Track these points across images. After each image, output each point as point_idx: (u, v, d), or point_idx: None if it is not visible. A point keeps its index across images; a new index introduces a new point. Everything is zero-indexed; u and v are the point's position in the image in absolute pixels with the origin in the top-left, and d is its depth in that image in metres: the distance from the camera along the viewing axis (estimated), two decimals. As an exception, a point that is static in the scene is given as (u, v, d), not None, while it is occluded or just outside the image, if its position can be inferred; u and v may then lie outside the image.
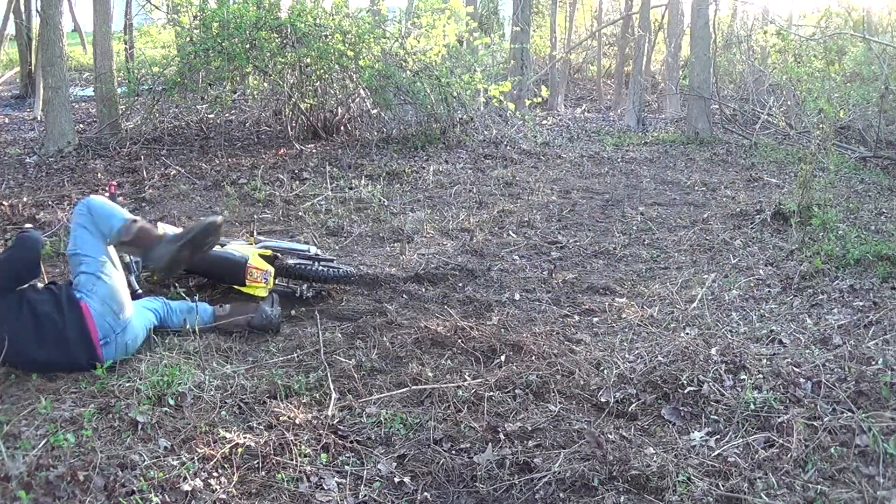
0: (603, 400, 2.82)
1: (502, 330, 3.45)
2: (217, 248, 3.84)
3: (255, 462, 2.38)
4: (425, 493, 2.30)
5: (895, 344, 3.18)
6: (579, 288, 4.14)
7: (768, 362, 3.01)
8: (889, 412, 2.60)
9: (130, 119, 8.55)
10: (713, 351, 3.11)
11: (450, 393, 2.83)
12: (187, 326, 3.14)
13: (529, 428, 2.63)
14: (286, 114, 8.48)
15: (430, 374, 2.98)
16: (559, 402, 2.81)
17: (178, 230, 3.22)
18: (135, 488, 2.19)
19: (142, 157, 7.17)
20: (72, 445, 2.39)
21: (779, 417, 2.61)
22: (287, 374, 2.95)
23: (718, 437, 2.57)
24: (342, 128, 8.44)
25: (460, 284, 4.12)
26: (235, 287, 3.70)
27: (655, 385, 2.87)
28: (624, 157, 8.13)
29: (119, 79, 8.75)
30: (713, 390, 2.80)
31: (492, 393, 2.86)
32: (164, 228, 3.89)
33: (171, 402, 2.66)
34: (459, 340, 3.29)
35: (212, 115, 8.78)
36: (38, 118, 9.52)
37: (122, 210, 3.02)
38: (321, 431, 2.55)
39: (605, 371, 3.04)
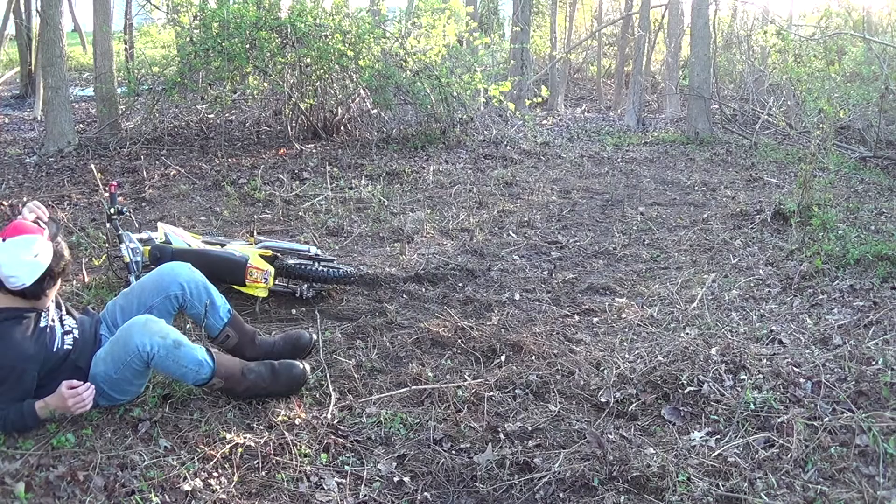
0: (603, 400, 2.82)
1: (502, 330, 3.45)
2: (217, 248, 3.85)
3: (255, 462, 2.38)
4: (425, 493, 2.30)
5: (895, 344, 3.18)
6: (579, 288, 4.14)
7: (768, 362, 3.01)
8: (889, 412, 2.60)
9: (130, 119, 8.55)
10: (713, 351, 3.10)
11: (450, 393, 2.83)
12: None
13: (529, 428, 2.63)
14: (286, 114, 8.49)
15: (430, 374, 2.99)
16: (559, 402, 2.81)
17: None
18: (135, 488, 2.20)
19: (142, 157, 7.18)
20: (72, 445, 2.39)
21: (779, 417, 2.61)
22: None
23: (718, 437, 2.57)
24: (342, 128, 8.44)
25: (460, 284, 4.12)
26: (235, 287, 3.70)
27: (655, 385, 2.87)
28: (624, 157, 8.13)
29: (119, 79, 8.76)
30: (713, 390, 2.80)
31: (492, 393, 2.86)
32: (164, 228, 3.91)
33: (173, 401, 2.66)
34: (459, 340, 3.29)
35: (212, 115, 8.78)
36: (38, 118, 9.52)
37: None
38: (321, 431, 2.56)
39: (605, 371, 3.04)
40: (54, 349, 2.45)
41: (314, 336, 3.05)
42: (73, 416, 2.55)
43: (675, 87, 12.04)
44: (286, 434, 2.51)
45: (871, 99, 7.89)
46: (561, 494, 2.29)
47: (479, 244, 4.87)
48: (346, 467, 2.39)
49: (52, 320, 2.49)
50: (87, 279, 3.94)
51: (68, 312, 2.62)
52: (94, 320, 2.69)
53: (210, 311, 2.78)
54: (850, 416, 2.57)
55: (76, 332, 2.56)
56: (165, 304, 2.73)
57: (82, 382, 2.37)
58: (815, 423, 2.56)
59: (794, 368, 2.95)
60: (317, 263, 3.83)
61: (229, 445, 2.42)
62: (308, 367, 2.81)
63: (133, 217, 3.72)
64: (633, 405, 2.78)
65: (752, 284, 4.12)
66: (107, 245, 4.29)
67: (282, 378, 2.71)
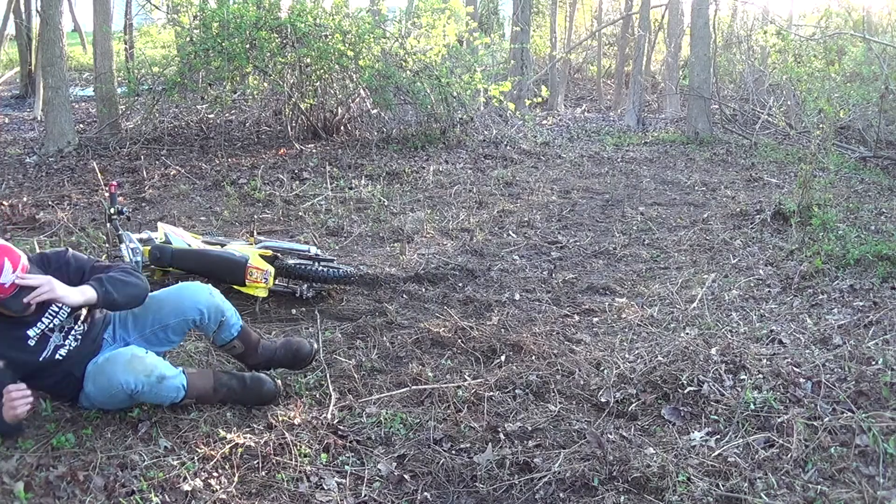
0: (603, 400, 2.82)
1: (502, 330, 3.45)
2: (217, 248, 3.85)
3: (255, 462, 2.38)
4: (425, 493, 2.30)
5: (895, 344, 3.18)
6: (579, 288, 4.14)
7: (768, 362, 3.01)
8: (889, 412, 2.60)
9: (130, 119, 8.55)
10: (713, 351, 3.10)
11: (450, 393, 2.83)
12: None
13: (529, 428, 2.63)
14: (286, 114, 8.48)
15: (430, 374, 2.99)
16: (559, 402, 2.81)
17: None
18: (135, 488, 2.20)
19: (142, 157, 7.18)
20: (72, 445, 2.39)
21: (779, 417, 2.61)
22: (287, 375, 2.95)
23: (718, 437, 2.57)
24: (342, 128, 8.44)
25: (460, 284, 4.12)
26: (235, 287, 3.70)
27: (655, 385, 2.87)
28: (624, 157, 8.13)
29: (119, 79, 8.76)
30: (713, 390, 2.80)
31: (492, 393, 2.86)
32: (164, 228, 3.90)
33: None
34: (459, 340, 3.29)
35: (212, 115, 8.78)
36: (38, 118, 9.52)
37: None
38: (321, 431, 2.56)
39: (605, 371, 3.04)
40: (40, 359, 2.39)
41: (315, 346, 3.05)
42: (72, 416, 2.56)
43: (675, 87, 12.04)
44: (286, 434, 2.51)
45: (871, 99, 7.88)
46: (561, 494, 2.29)
47: (479, 244, 4.87)
48: (346, 467, 2.39)
49: (50, 329, 2.40)
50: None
51: (84, 319, 2.52)
52: (103, 322, 2.63)
53: (223, 328, 2.77)
54: (850, 416, 2.57)
55: (75, 343, 2.47)
56: (181, 325, 2.70)
57: (21, 385, 2.25)
58: (815, 423, 2.56)
59: (794, 368, 2.95)
60: (317, 263, 3.83)
61: (229, 445, 2.43)
62: (280, 384, 2.78)
63: (131, 216, 3.70)
64: (633, 405, 2.78)
65: (752, 284, 4.12)
66: (107, 245, 4.29)
67: (252, 394, 2.70)
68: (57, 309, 2.41)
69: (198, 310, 2.68)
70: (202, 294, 2.72)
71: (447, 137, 8.27)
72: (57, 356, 2.44)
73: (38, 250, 4.12)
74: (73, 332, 2.48)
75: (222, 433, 2.49)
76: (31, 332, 2.37)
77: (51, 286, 2.28)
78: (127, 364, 2.39)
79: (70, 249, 2.52)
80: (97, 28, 8.16)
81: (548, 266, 4.51)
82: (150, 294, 2.71)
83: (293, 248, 3.96)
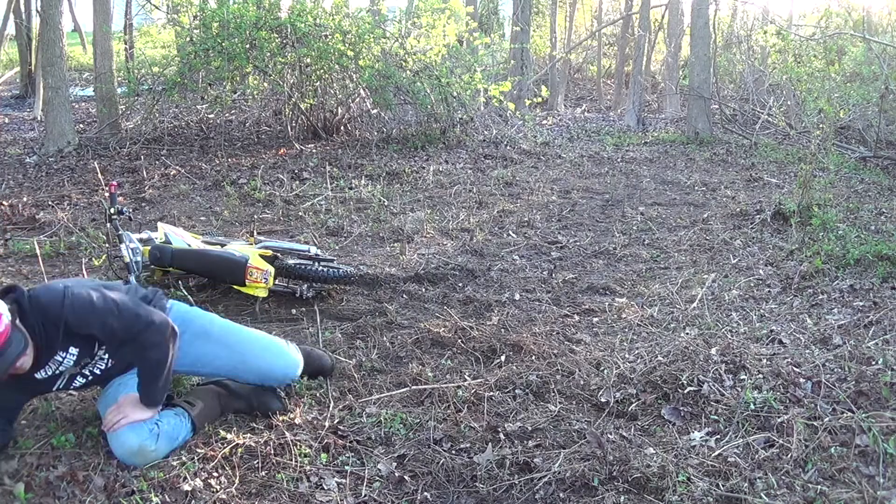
0: (603, 400, 2.82)
1: (502, 330, 3.45)
2: (217, 248, 3.85)
3: (255, 462, 2.38)
4: (425, 493, 2.30)
5: (895, 344, 3.18)
6: (579, 288, 4.14)
7: (768, 362, 3.01)
8: (889, 412, 2.60)
9: (130, 119, 8.56)
10: (713, 351, 3.10)
11: (450, 393, 2.83)
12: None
13: (529, 428, 2.63)
14: (286, 114, 8.49)
15: (430, 374, 2.98)
16: (559, 402, 2.81)
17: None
18: (135, 488, 2.20)
19: (142, 157, 7.18)
20: (72, 445, 2.39)
21: (779, 417, 2.61)
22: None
23: (718, 437, 2.57)
24: (342, 128, 8.44)
25: (460, 284, 4.12)
26: (235, 287, 3.70)
27: (655, 385, 2.87)
28: (624, 157, 8.13)
29: (119, 79, 8.76)
30: (713, 390, 2.80)
31: (492, 393, 2.86)
32: (164, 228, 3.91)
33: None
34: (459, 340, 3.29)
35: (212, 115, 8.79)
36: (38, 118, 9.52)
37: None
38: (321, 431, 2.56)
39: (605, 371, 3.04)
40: (53, 388, 2.36)
41: (333, 361, 3.04)
42: (72, 416, 2.56)
43: (675, 87, 12.04)
44: (286, 434, 2.51)
45: (871, 99, 7.89)
46: (561, 494, 2.29)
47: (479, 244, 4.87)
48: (346, 467, 2.39)
49: (61, 369, 2.29)
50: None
51: (102, 358, 2.37)
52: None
53: None
54: (850, 416, 2.57)
55: (91, 377, 2.40)
56: (255, 383, 2.66)
57: None
58: (815, 423, 2.56)
59: (794, 368, 2.95)
60: (317, 263, 3.83)
61: (229, 445, 2.42)
62: (286, 402, 2.72)
63: (131, 216, 3.70)
64: (633, 405, 2.78)
65: (752, 284, 4.12)
66: (107, 245, 4.30)
67: (258, 411, 2.67)
68: (61, 358, 2.26)
69: (282, 383, 2.72)
70: (293, 370, 2.72)
71: (447, 137, 8.27)
72: (73, 387, 2.41)
73: (38, 250, 4.13)
74: (89, 367, 2.38)
75: (222, 433, 2.49)
76: (38, 376, 2.27)
77: (127, 418, 2.30)
78: (131, 454, 2.31)
79: (67, 297, 2.19)
80: (97, 28, 8.16)
81: (548, 266, 4.51)
82: (230, 347, 2.59)
83: (293, 248, 3.97)
